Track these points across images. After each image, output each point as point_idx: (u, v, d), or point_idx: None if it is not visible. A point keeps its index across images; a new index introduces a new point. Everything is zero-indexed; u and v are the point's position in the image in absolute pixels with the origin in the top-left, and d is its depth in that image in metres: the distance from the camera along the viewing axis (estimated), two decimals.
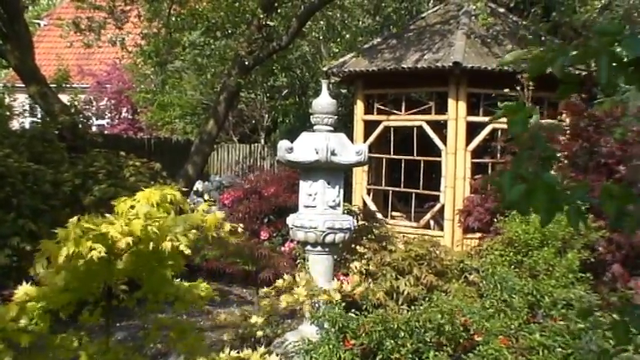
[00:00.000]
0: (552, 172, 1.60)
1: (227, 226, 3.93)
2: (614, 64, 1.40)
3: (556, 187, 1.51)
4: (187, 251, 3.57)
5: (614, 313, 1.79)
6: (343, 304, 5.61)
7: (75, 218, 3.28)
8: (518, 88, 8.21)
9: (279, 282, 6.22)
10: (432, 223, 10.09)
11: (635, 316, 1.70)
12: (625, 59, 1.40)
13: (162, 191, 3.66)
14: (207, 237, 3.78)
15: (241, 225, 3.95)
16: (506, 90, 8.32)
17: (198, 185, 13.07)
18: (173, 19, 10.82)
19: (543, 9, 11.52)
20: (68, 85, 18.47)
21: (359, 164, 6.66)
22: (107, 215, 3.44)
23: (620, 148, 7.61)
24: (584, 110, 8.11)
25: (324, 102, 6.45)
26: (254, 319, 5.49)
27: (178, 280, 4.02)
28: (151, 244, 3.49)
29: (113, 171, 8.15)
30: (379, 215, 9.66)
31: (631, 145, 7.61)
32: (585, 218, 1.58)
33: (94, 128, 18.55)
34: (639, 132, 7.72)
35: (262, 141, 17.14)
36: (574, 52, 1.48)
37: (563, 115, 8.85)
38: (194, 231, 3.56)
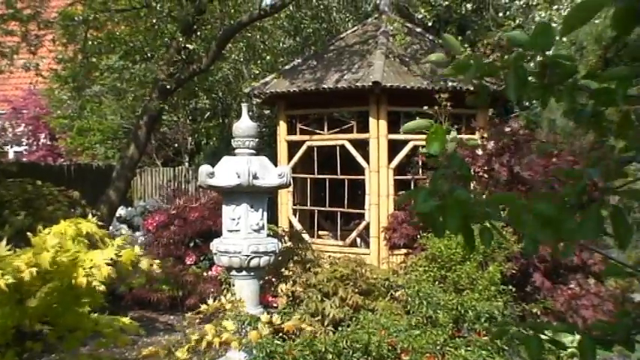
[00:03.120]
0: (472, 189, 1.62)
1: (145, 263, 3.84)
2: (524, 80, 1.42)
3: (468, 203, 1.52)
4: (101, 287, 3.47)
5: (528, 327, 1.81)
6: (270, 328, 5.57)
7: None
8: (436, 107, 8.36)
9: (204, 307, 6.10)
10: (358, 240, 10.15)
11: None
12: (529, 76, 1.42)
13: (77, 224, 3.56)
14: (125, 271, 3.69)
15: (157, 261, 3.88)
16: (425, 107, 8.47)
17: (122, 211, 12.81)
18: (90, 43, 10.60)
19: (458, 28, 11.86)
20: None
21: (282, 186, 6.64)
22: (17, 250, 3.33)
23: (539, 163, 7.84)
24: (501, 125, 8.33)
25: (244, 125, 6.42)
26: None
27: (97, 314, 3.90)
28: (64, 280, 3.39)
29: (29, 200, 7.88)
30: (305, 235, 9.66)
31: (550, 161, 7.86)
32: (491, 238, 1.60)
33: (11, 155, 17.97)
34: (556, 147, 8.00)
35: (186, 164, 16.95)
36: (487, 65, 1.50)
37: (481, 131, 9.07)
38: (109, 267, 3.47)
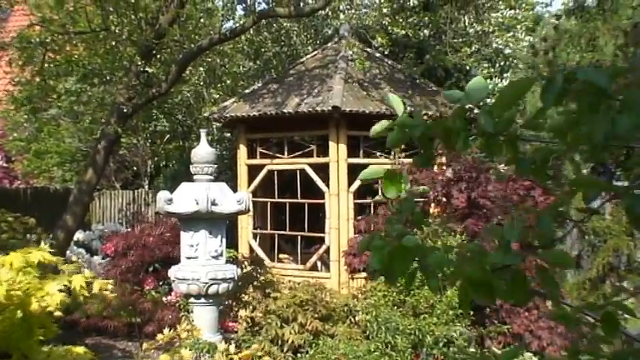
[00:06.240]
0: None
1: (97, 285, 3.82)
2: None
3: (415, 250, 1.54)
4: (58, 313, 3.44)
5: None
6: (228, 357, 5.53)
7: None
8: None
9: (160, 336, 6.02)
10: (319, 264, 10.15)
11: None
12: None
13: (27, 255, 3.52)
14: (79, 296, 3.67)
15: (111, 281, 3.84)
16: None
17: (79, 235, 12.60)
18: (47, 65, 10.47)
19: (416, 53, 12.02)
20: None
21: (240, 213, 6.63)
22: None
23: (497, 188, 7.96)
24: (460, 157, 8.45)
25: (202, 151, 6.41)
26: None
27: (51, 344, 3.84)
28: (17, 311, 3.34)
29: None
30: (266, 260, 9.63)
31: (507, 185, 7.98)
32: (437, 284, 1.63)
33: None
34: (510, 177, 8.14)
35: (146, 187, 16.76)
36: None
37: (439, 157, 9.17)
38: (62, 293, 3.46)
